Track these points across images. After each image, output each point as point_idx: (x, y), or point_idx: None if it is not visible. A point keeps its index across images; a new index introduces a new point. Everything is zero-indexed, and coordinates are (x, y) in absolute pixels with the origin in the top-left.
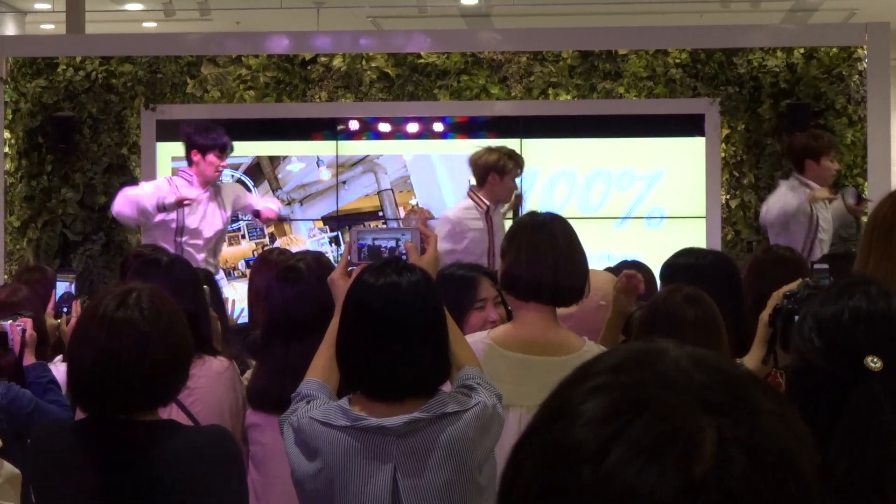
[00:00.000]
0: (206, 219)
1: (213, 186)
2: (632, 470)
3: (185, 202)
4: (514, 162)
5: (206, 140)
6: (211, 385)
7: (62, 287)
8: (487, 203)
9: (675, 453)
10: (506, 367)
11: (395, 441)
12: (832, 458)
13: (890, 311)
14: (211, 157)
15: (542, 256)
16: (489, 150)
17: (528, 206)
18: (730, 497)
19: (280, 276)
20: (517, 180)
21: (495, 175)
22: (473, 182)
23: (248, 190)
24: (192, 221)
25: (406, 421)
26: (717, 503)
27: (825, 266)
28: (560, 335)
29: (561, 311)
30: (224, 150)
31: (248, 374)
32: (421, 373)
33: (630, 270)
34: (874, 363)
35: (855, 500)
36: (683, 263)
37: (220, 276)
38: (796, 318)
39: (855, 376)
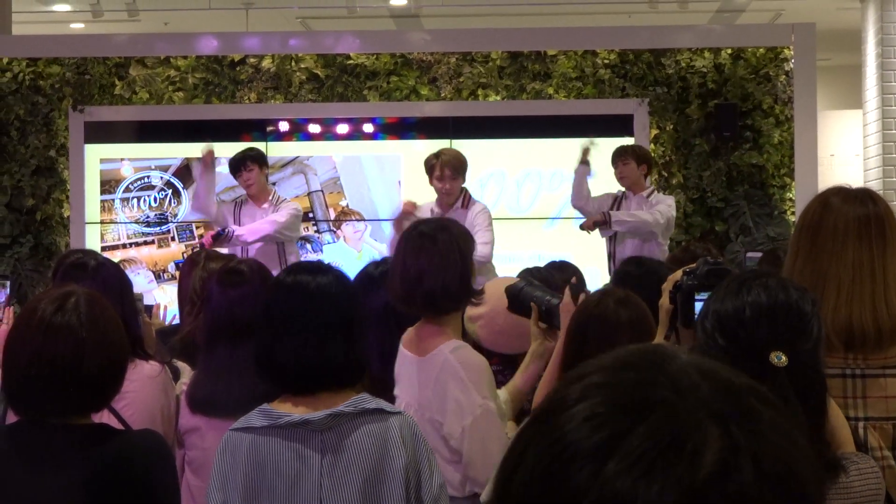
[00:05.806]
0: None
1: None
2: (634, 473)
3: None
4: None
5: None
6: (142, 389)
7: None
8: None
9: (678, 457)
10: (399, 362)
11: (319, 436)
12: None
13: (789, 303)
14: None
15: (406, 268)
16: None
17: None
18: None
19: (222, 279)
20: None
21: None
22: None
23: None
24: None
25: (329, 414)
26: None
27: (758, 253)
28: (427, 334)
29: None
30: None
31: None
32: (328, 366)
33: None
34: (779, 359)
35: None
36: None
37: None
38: (696, 296)
39: (761, 372)
